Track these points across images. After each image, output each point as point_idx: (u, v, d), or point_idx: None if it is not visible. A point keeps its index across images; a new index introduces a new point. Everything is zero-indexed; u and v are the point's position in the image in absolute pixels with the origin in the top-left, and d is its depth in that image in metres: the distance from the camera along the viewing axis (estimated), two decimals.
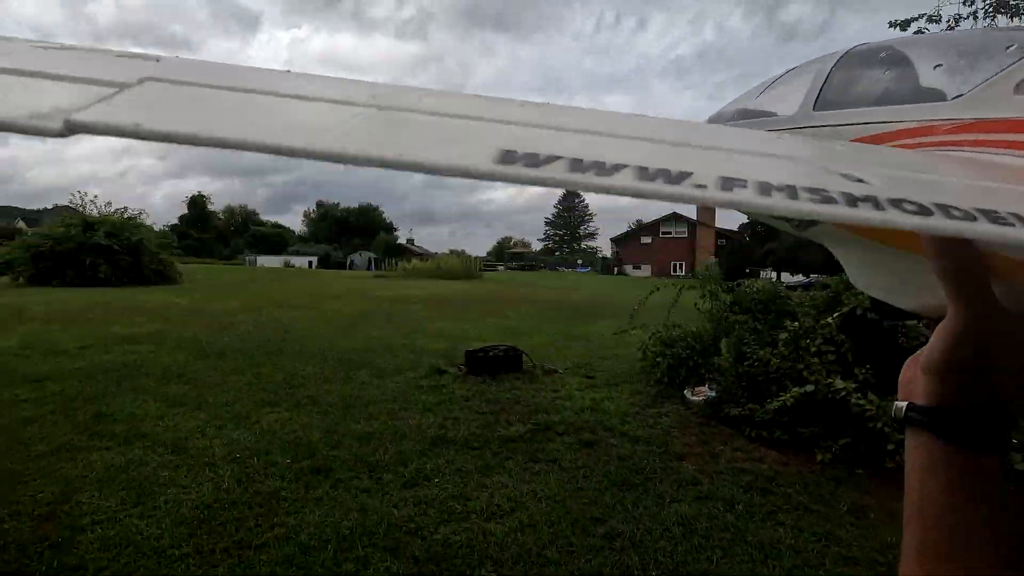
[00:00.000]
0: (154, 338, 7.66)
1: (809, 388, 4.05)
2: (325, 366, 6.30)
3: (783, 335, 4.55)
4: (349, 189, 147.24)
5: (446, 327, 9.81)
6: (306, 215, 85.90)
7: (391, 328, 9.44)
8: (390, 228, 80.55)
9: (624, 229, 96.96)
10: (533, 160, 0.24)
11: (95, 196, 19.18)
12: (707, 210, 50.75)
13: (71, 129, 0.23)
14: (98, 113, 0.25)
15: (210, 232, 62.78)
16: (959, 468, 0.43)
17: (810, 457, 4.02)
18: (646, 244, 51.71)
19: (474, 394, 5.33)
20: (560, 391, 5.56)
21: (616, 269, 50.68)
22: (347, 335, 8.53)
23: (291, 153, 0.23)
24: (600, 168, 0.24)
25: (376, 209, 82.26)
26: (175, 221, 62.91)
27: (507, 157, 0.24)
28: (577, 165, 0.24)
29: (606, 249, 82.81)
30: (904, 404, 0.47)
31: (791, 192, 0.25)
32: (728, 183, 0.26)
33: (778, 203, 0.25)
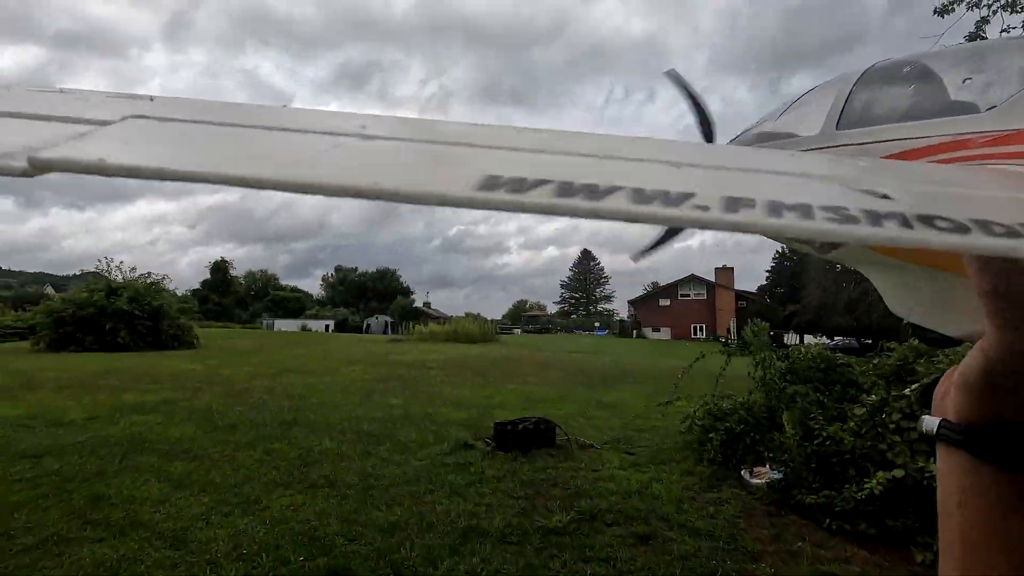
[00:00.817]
0: (164, 408, 7.30)
1: (899, 473, 3.51)
2: (342, 440, 5.84)
3: (857, 409, 4.05)
4: (368, 254, 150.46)
5: (468, 394, 9.33)
6: (325, 279, 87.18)
7: (411, 396, 8.98)
8: (407, 292, 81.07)
9: (640, 291, 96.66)
10: (518, 186, 0.23)
11: (121, 262, 19.46)
12: (725, 271, 50.42)
13: (36, 167, 0.23)
14: (66, 150, 0.25)
15: (231, 297, 63.66)
16: (1002, 489, 0.40)
17: (906, 555, 3.42)
18: (664, 306, 51.04)
19: (506, 474, 4.82)
20: (600, 470, 5.01)
21: (635, 332, 49.85)
22: (365, 404, 8.09)
23: (259, 185, 0.23)
24: (591, 191, 0.23)
25: (393, 273, 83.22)
26: (197, 286, 64.15)
27: (489, 183, 0.23)
28: (566, 189, 0.23)
29: (622, 311, 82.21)
30: (937, 420, 0.45)
31: (805, 211, 0.24)
32: (733, 203, 0.25)
33: (790, 224, 0.23)
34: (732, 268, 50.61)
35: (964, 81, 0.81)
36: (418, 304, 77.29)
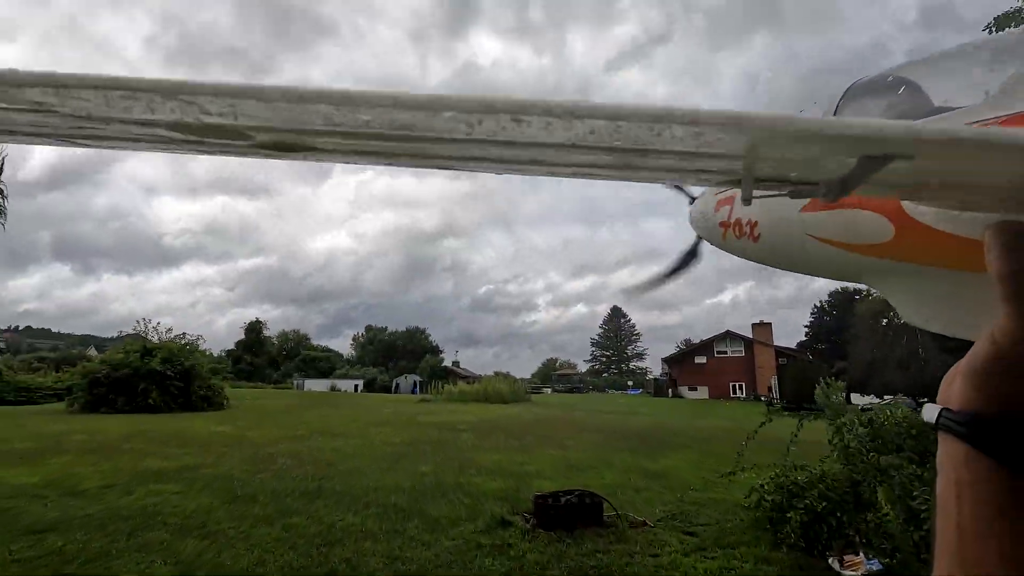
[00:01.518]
0: (185, 475, 6.92)
1: None
2: (367, 515, 5.32)
3: None
4: (397, 313, 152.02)
5: (501, 460, 8.70)
6: (355, 339, 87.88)
7: (441, 462, 8.41)
8: (436, 350, 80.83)
9: (673, 348, 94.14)
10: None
11: (158, 323, 19.73)
12: (763, 327, 48.76)
13: None
14: None
15: (264, 357, 64.44)
16: (1001, 484, 0.40)
17: None
18: (700, 364, 49.20)
19: (550, 559, 4.21)
20: (660, 555, 4.35)
21: (670, 391, 47.96)
22: (393, 471, 7.56)
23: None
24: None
25: (423, 332, 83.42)
26: (232, 346, 65.25)
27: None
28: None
29: (655, 369, 79.93)
30: (938, 409, 0.44)
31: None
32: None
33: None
34: (770, 324, 48.96)
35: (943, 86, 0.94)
36: (447, 363, 76.80)
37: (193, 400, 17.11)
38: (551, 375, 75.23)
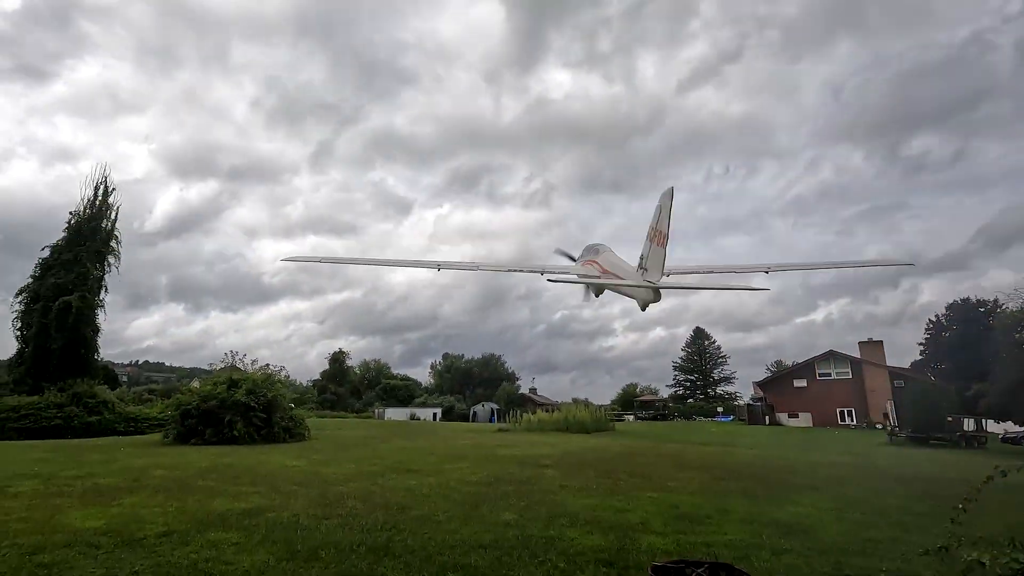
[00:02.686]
0: (247, 520, 6.29)
1: None
2: None
3: None
4: (474, 342, 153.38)
5: (595, 506, 7.48)
6: (433, 367, 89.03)
7: (526, 508, 7.32)
8: (512, 377, 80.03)
9: (761, 371, 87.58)
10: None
11: (244, 355, 20.28)
12: (872, 345, 43.93)
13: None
14: None
15: (346, 386, 66.42)
16: None
17: None
18: (800, 388, 44.85)
19: None
20: None
21: (767, 418, 43.98)
22: (471, 520, 6.56)
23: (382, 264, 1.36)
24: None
25: (498, 359, 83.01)
26: (317, 376, 67.88)
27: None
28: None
29: (745, 394, 74.54)
30: None
31: None
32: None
33: None
34: (880, 342, 44.01)
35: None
36: (523, 390, 75.68)
37: (275, 431, 17.14)
38: (632, 401, 71.99)
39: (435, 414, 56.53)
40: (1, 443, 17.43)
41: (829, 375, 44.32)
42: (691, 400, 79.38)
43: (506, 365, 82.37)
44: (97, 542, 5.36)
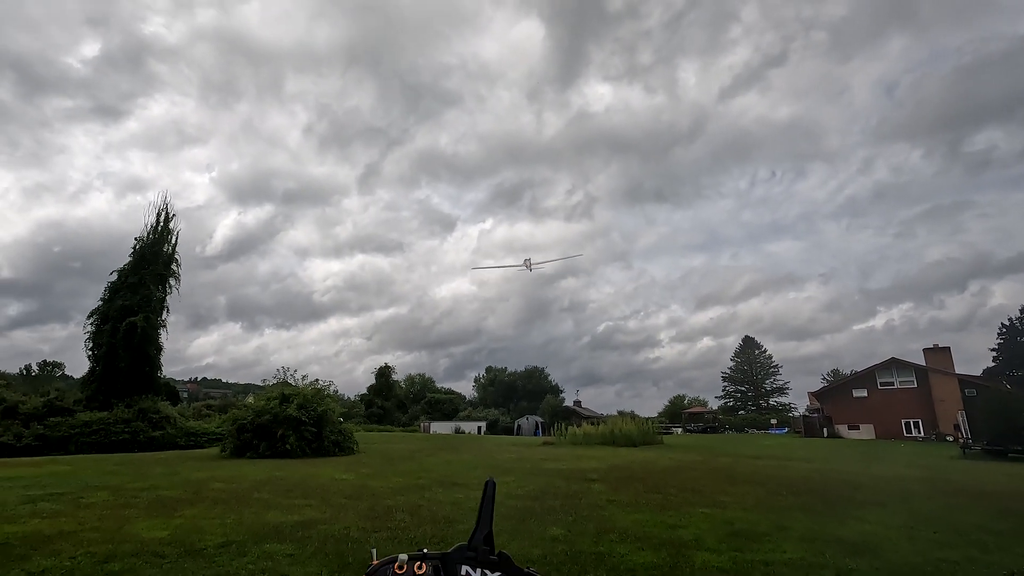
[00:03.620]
0: (300, 532, 6.45)
1: None
2: None
3: None
4: (519, 355, 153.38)
5: (645, 522, 7.29)
6: (476, 380, 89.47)
7: (574, 522, 7.21)
8: (556, 390, 79.51)
9: (817, 380, 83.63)
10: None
11: (295, 371, 20.94)
12: (939, 352, 41.40)
13: None
14: None
15: (392, 400, 67.48)
16: None
17: None
18: (860, 398, 42.55)
19: None
20: None
21: (825, 430, 41.89)
22: (519, 535, 6.51)
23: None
24: None
25: (542, 371, 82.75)
26: (364, 391, 69.27)
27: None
28: None
29: (800, 405, 71.39)
30: None
31: None
32: None
33: None
34: (948, 348, 41.38)
35: None
36: (568, 403, 74.95)
37: (325, 445, 17.57)
38: (680, 413, 70.11)
39: (479, 427, 56.65)
40: (76, 456, 18.54)
41: (892, 384, 41.90)
42: (742, 412, 76.72)
43: (550, 378, 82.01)
44: (162, 552, 5.60)
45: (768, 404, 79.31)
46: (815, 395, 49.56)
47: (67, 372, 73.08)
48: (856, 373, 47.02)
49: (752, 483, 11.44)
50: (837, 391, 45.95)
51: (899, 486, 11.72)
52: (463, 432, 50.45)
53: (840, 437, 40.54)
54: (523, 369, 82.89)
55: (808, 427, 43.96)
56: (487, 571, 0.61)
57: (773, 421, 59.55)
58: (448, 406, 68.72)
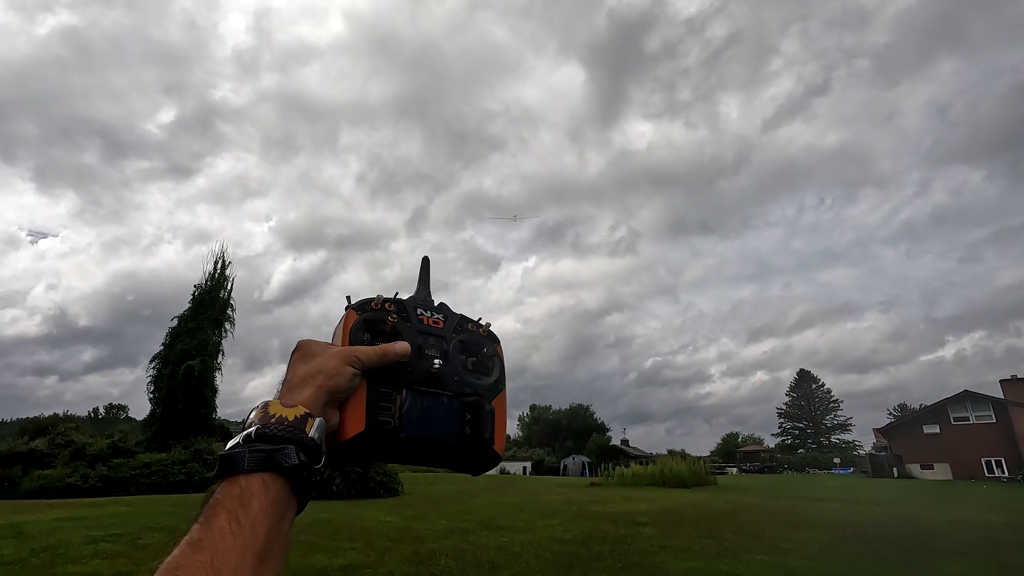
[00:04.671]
0: None
1: None
2: None
3: None
4: (564, 393, 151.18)
5: (700, 570, 6.90)
6: (520, 419, 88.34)
7: (621, 568, 6.90)
8: (602, 428, 77.49)
9: (883, 416, 78.29)
10: None
11: None
12: (1018, 384, 38.31)
13: None
14: None
15: None
16: None
17: None
18: (932, 435, 39.48)
19: None
20: None
21: (895, 470, 38.97)
22: None
23: None
24: None
25: (587, 409, 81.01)
26: None
27: None
28: None
29: (864, 442, 67.04)
30: None
31: None
32: None
33: None
34: None
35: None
36: (615, 441, 72.83)
37: (371, 485, 17.59)
38: (734, 452, 66.91)
39: (524, 468, 55.62)
40: (136, 497, 19.22)
41: (967, 419, 38.78)
42: (801, 450, 72.55)
43: (595, 415, 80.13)
44: None
45: (830, 442, 74.75)
46: (881, 432, 46.44)
47: (130, 414, 76.72)
48: (926, 408, 43.95)
49: (816, 528, 10.70)
50: (906, 427, 42.90)
51: (983, 533, 10.71)
52: (508, 472, 49.61)
53: (912, 477, 37.63)
54: (568, 407, 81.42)
55: (876, 467, 41.06)
56: (435, 312, 0.77)
57: (836, 460, 55.96)
58: None
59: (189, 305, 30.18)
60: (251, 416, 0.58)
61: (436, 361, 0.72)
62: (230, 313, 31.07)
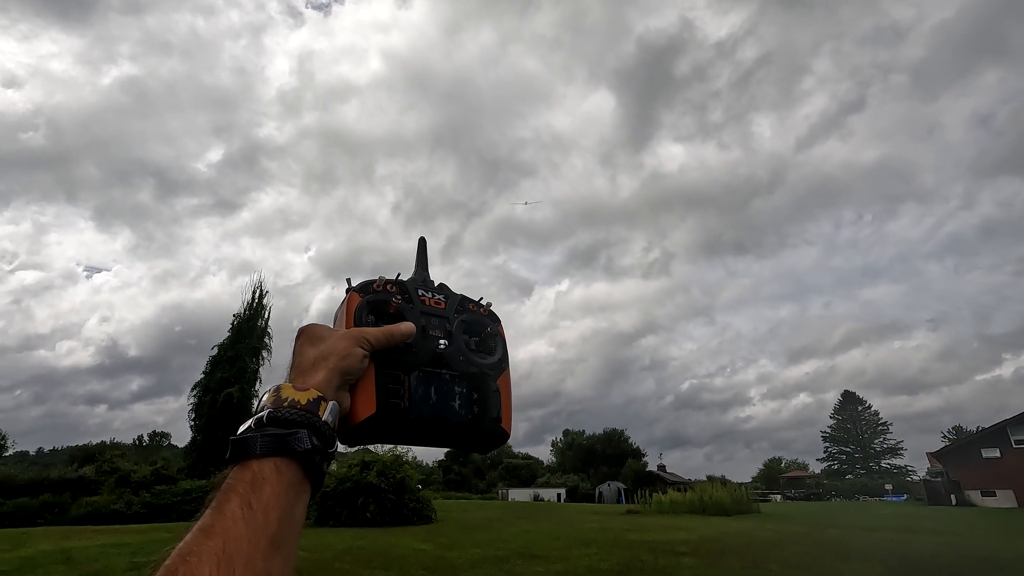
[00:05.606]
0: None
1: None
2: None
3: None
4: (599, 417, 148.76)
5: None
6: (553, 444, 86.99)
7: None
8: (638, 454, 75.58)
9: (937, 439, 74.09)
10: None
11: None
12: None
13: None
14: None
15: (470, 467, 66.83)
16: None
17: None
18: (992, 459, 37.14)
19: None
20: None
21: (953, 496, 36.73)
22: None
23: None
24: None
25: (621, 434, 79.23)
26: (442, 457, 69.19)
27: None
28: None
29: (917, 467, 63.53)
30: None
31: None
32: None
33: None
34: None
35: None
36: (651, 467, 70.87)
37: (404, 513, 17.52)
38: (778, 478, 64.28)
39: (559, 495, 54.57)
40: (177, 523, 19.59)
41: None
42: (850, 476, 69.22)
43: (630, 440, 78.27)
44: None
45: (880, 467, 71.09)
46: (936, 456, 43.96)
47: (172, 441, 78.73)
48: (984, 430, 41.46)
49: (869, 559, 10.13)
50: (963, 451, 40.50)
51: None
52: (542, 499, 48.74)
53: (972, 504, 35.38)
54: (602, 432, 79.85)
55: (932, 493, 38.79)
56: (436, 293, 0.77)
57: (888, 487, 53.12)
58: (526, 472, 67.04)
59: (228, 334, 31.10)
60: (263, 400, 0.57)
61: (441, 341, 0.73)
62: (267, 341, 31.88)
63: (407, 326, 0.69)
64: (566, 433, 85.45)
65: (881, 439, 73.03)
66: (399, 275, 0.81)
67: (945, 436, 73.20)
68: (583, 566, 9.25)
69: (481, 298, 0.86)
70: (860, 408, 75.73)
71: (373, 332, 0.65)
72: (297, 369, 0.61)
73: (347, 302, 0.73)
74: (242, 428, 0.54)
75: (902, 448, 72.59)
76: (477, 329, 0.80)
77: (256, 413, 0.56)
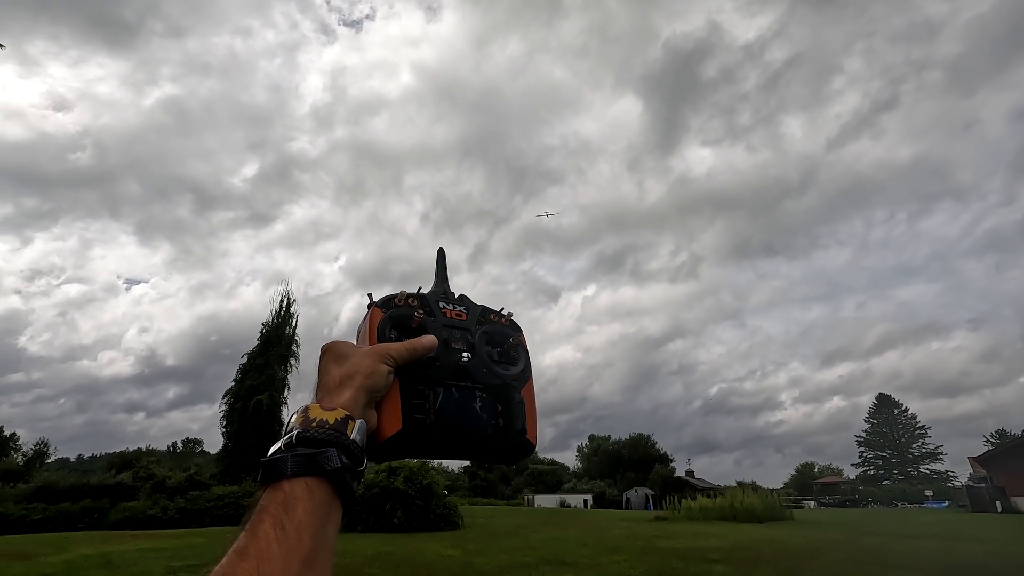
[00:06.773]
0: None
1: None
2: None
3: None
4: (626, 423, 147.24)
5: None
6: (579, 450, 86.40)
7: None
8: (665, 459, 74.52)
9: (979, 444, 71.24)
10: None
11: None
12: None
13: None
14: None
15: (495, 472, 66.75)
16: None
17: None
18: None
19: None
20: None
21: (998, 503, 35.21)
22: None
23: None
24: None
25: (648, 439, 78.24)
26: (468, 463, 69.25)
27: None
28: None
29: (959, 472, 61.17)
30: None
31: None
32: None
33: None
34: None
35: None
36: (679, 472, 69.78)
37: (432, 518, 17.58)
38: (811, 484, 62.62)
39: (586, 501, 54.12)
40: (210, 529, 20.02)
41: None
42: (887, 481, 67.07)
43: (657, 446, 77.23)
44: None
45: (918, 472, 68.68)
46: (978, 461, 42.29)
47: (205, 448, 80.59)
48: None
49: (910, 568, 9.78)
50: (1008, 455, 38.86)
51: None
52: (568, 505, 48.38)
53: (1018, 512, 33.85)
54: (628, 437, 78.96)
55: (975, 500, 37.26)
56: (457, 305, 0.78)
57: (928, 493, 51.24)
58: (552, 478, 66.67)
59: (258, 342, 31.75)
60: (291, 421, 0.58)
61: (464, 354, 0.73)
62: (295, 348, 32.44)
63: (429, 339, 0.69)
64: (592, 439, 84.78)
65: (919, 443, 70.54)
66: (420, 288, 0.81)
67: (988, 440, 70.27)
68: (613, 573, 9.13)
69: (502, 308, 0.85)
70: (896, 411, 73.30)
71: (396, 348, 0.65)
72: (324, 388, 0.61)
73: (369, 318, 0.73)
74: (272, 449, 0.54)
75: (942, 453, 70.04)
76: (499, 340, 0.80)
77: (285, 434, 0.57)
